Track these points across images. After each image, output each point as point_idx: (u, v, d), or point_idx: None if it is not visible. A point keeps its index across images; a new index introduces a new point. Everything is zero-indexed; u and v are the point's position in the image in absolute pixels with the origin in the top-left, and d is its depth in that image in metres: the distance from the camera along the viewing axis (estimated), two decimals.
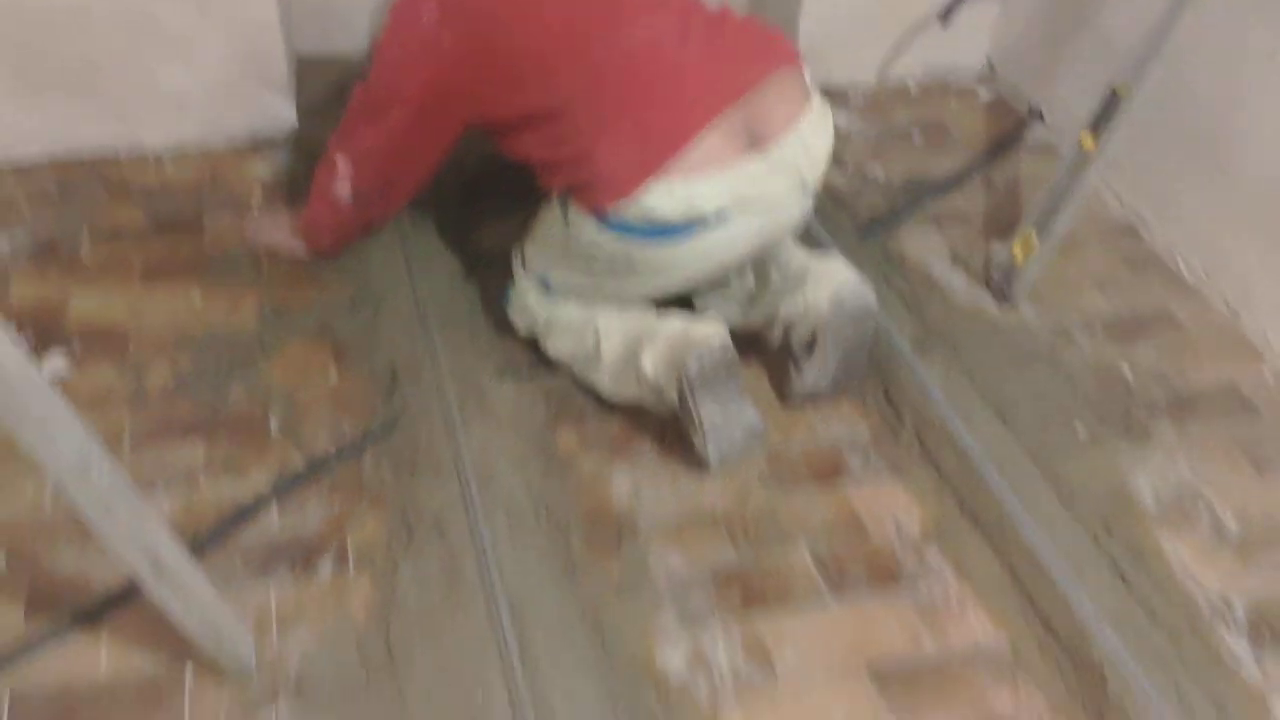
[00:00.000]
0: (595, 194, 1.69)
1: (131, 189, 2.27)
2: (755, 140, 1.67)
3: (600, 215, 1.70)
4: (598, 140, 1.66)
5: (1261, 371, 2.01)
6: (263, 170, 2.34)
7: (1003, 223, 2.30)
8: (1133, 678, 1.49)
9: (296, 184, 2.27)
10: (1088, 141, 2.02)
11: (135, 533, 1.26)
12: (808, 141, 1.72)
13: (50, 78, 2.21)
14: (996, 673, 1.55)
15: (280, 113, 2.40)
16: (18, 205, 2.20)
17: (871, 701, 1.50)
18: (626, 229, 1.70)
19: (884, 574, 1.67)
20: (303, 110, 2.42)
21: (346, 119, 1.92)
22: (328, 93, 2.43)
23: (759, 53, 1.74)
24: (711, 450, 1.74)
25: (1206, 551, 1.70)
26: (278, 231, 2.15)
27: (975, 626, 1.60)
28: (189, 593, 1.36)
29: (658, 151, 1.63)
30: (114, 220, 2.19)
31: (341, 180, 1.96)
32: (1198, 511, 1.76)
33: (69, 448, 1.17)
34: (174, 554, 1.33)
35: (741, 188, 1.67)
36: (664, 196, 1.64)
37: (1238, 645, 1.58)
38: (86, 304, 2.01)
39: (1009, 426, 1.86)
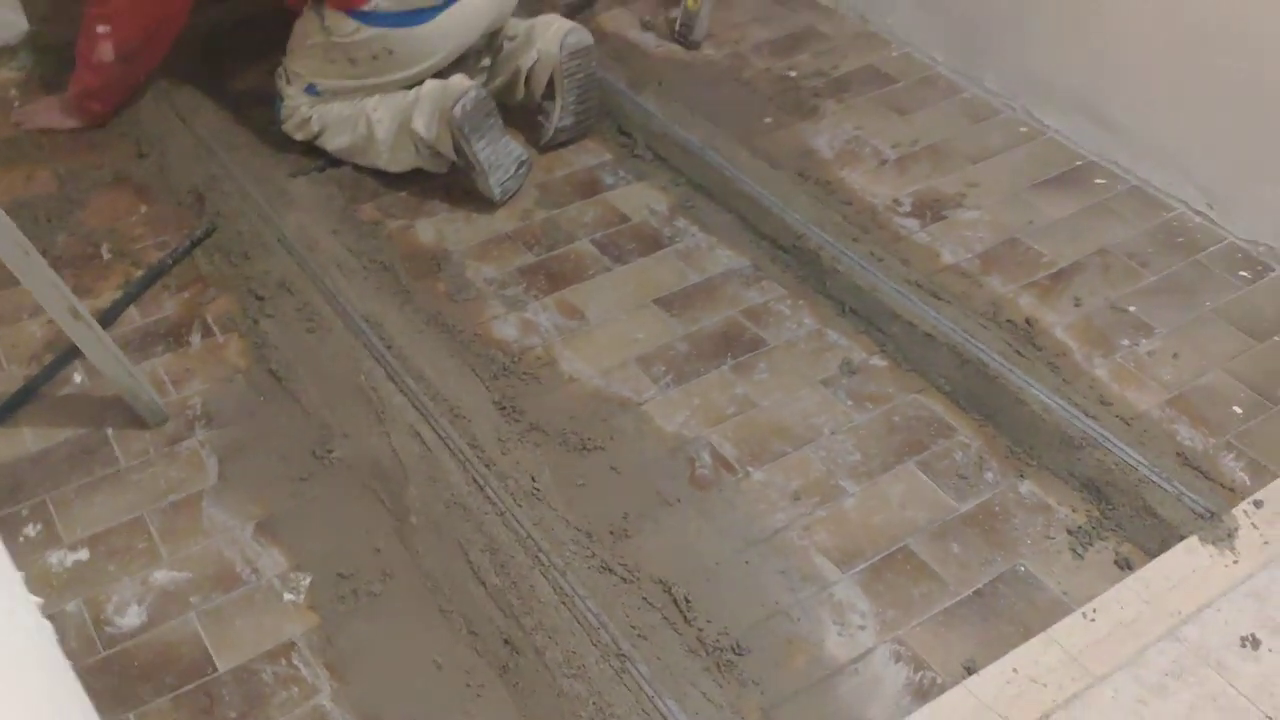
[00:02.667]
0: None
1: None
2: None
3: (357, 11, 2.03)
4: None
5: (892, 54, 2.58)
6: (11, 72, 2.48)
7: None
8: (840, 254, 2.01)
9: (49, 77, 2.44)
10: None
11: (52, 280, 1.53)
12: None
13: None
14: (745, 282, 2.03)
15: (11, 20, 2.53)
16: None
17: (660, 318, 1.95)
18: (381, 19, 2.04)
19: (650, 243, 2.11)
20: (31, 14, 2.56)
21: None
22: None
23: None
24: (494, 184, 2.12)
25: (874, 173, 2.24)
26: (48, 112, 2.33)
27: (719, 259, 2.07)
28: (102, 339, 1.62)
29: None
30: None
31: (104, 43, 2.17)
32: (863, 150, 2.30)
33: None
34: (82, 305, 1.59)
35: None
36: None
37: (908, 223, 2.13)
38: None
39: (717, 126, 2.33)
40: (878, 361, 1.88)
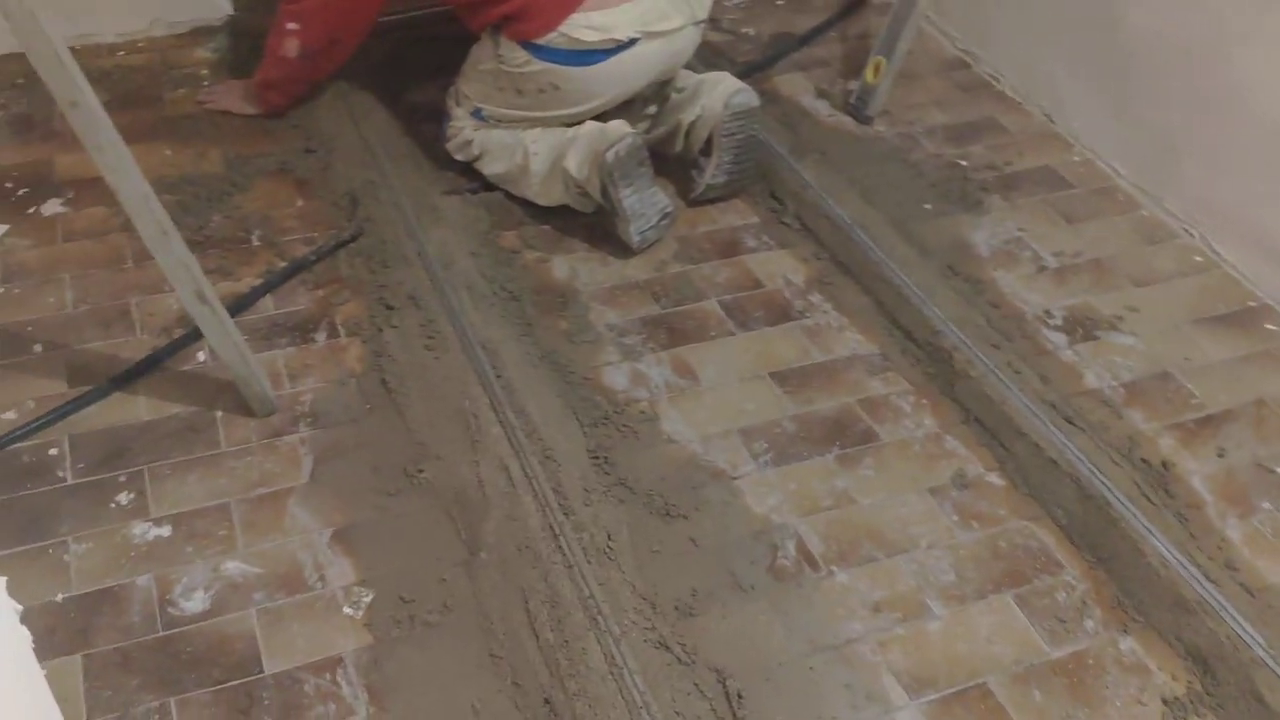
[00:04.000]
0: (527, 25, 2.04)
1: (92, 73, 2.50)
2: None
3: (530, 44, 2.05)
4: None
5: (1072, 157, 2.46)
6: (206, 53, 2.61)
7: (856, 65, 2.70)
8: (976, 358, 1.91)
9: (239, 62, 2.55)
10: None
11: (184, 261, 1.58)
12: None
13: None
14: (870, 369, 1.95)
15: (216, 2, 2.67)
16: None
17: (774, 393, 1.90)
18: (553, 55, 2.06)
19: (778, 313, 2.06)
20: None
21: None
22: None
23: None
24: (634, 232, 2.11)
25: (1029, 279, 2.14)
26: (230, 96, 2.44)
27: (851, 342, 2.01)
28: (225, 325, 1.67)
29: None
30: None
31: (291, 39, 2.26)
32: (1022, 253, 2.19)
33: (135, 182, 1.49)
34: (211, 290, 1.64)
35: (648, 19, 2.06)
36: (586, 27, 2.01)
37: (1056, 338, 2.02)
38: (71, 160, 2.27)
39: (872, 205, 2.27)
40: (994, 479, 1.78)
